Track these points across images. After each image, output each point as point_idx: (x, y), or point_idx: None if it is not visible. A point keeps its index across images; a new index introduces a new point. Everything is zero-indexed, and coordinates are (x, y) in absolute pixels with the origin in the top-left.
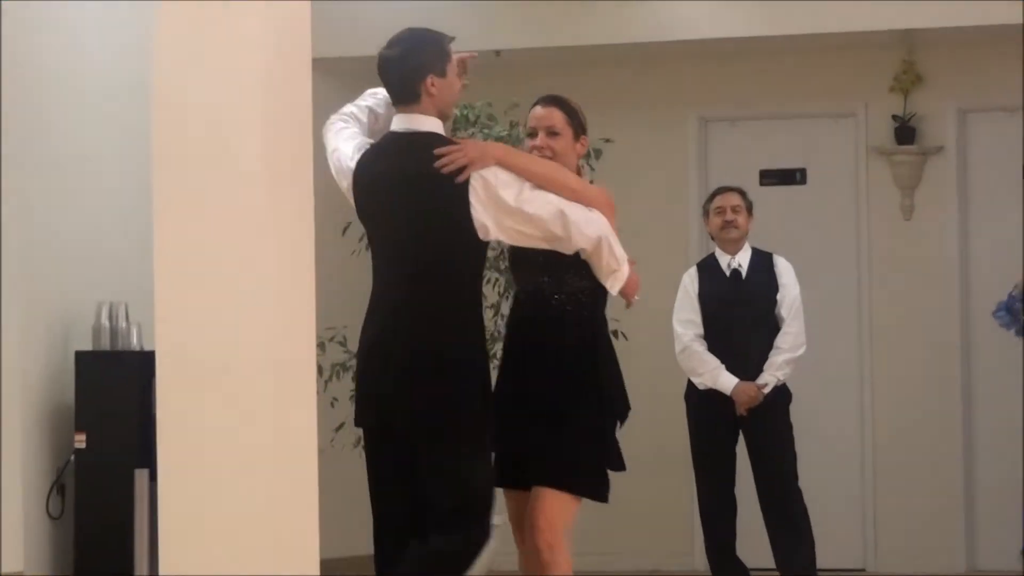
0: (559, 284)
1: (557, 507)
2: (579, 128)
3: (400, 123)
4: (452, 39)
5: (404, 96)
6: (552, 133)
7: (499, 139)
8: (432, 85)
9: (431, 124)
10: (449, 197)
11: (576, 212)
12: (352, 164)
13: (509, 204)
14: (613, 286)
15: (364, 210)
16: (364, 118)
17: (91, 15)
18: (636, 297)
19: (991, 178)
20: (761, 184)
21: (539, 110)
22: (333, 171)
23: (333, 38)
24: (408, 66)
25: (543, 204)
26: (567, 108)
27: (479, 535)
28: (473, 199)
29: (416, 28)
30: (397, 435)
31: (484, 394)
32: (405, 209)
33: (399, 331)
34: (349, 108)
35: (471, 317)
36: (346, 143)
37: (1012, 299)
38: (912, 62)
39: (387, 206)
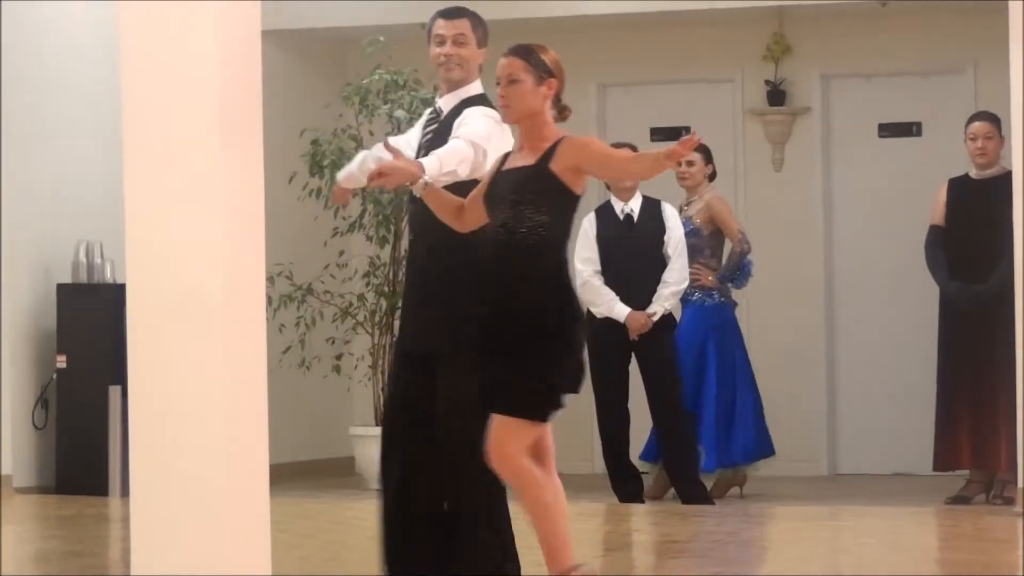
0: (520, 220)
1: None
2: (543, 72)
3: None
4: (435, 15)
5: None
6: (512, 81)
7: (424, 100)
8: None
9: None
10: None
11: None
12: None
13: None
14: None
15: None
16: None
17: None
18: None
19: (850, 135)
20: (651, 140)
21: (501, 61)
22: None
23: (280, 11)
24: None
25: None
26: (526, 55)
27: None
28: None
29: None
30: None
31: None
32: None
33: None
34: None
35: None
36: None
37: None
38: (782, 34)
39: None
